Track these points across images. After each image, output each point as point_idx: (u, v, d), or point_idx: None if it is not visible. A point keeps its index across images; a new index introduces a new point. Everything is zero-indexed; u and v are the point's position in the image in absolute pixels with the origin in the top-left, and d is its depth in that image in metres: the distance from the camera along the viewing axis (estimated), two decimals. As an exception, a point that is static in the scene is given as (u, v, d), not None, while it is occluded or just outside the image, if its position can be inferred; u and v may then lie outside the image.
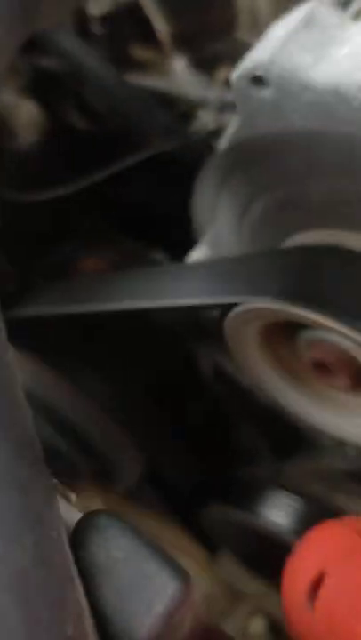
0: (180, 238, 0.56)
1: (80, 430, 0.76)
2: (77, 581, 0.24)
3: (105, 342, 0.87)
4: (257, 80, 0.38)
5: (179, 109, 0.81)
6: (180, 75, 0.88)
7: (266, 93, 0.38)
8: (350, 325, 0.35)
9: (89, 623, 0.23)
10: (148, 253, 0.80)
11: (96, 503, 1.34)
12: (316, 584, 0.32)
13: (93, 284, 0.53)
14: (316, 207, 0.39)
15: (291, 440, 0.72)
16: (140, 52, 0.93)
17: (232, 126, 0.42)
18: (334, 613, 0.31)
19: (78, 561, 0.25)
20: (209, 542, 0.97)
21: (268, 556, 0.82)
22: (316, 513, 0.69)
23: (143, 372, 0.87)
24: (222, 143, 0.42)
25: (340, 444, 0.60)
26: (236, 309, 0.38)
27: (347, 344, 0.37)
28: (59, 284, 0.61)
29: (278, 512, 0.71)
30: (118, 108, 0.75)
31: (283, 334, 0.42)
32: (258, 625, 1.21)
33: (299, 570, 0.34)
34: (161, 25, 0.76)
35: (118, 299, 0.48)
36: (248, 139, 0.38)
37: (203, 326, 0.56)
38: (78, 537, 0.26)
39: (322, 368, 0.40)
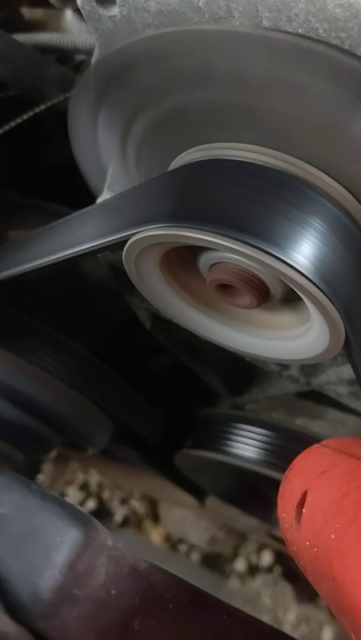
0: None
1: (44, 405, 0.75)
2: None
3: (47, 312, 0.86)
4: (101, -1, 0.35)
5: (75, 61, 0.78)
6: (72, 26, 0.86)
7: (114, 11, 0.36)
8: (240, 240, 0.33)
9: None
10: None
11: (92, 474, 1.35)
12: (301, 503, 0.33)
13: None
14: (193, 122, 0.37)
15: (243, 375, 0.72)
16: (29, 12, 0.90)
17: (94, 56, 0.40)
18: (314, 527, 0.32)
19: (-33, 525, 0.24)
20: (197, 489, 0.99)
21: (244, 490, 0.83)
22: (279, 440, 0.70)
23: (92, 337, 0.86)
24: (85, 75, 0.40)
25: (285, 368, 0.59)
26: (129, 242, 0.37)
27: (243, 260, 0.36)
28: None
29: (243, 445, 0.71)
30: (16, 72, 0.71)
31: (183, 260, 0.41)
32: (266, 558, 1.25)
33: (288, 493, 0.35)
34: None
35: (20, 262, 0.46)
36: (107, 57, 0.36)
37: (126, 275, 0.55)
38: None
39: (226, 289, 0.39)
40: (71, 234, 0.42)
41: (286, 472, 0.36)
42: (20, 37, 0.73)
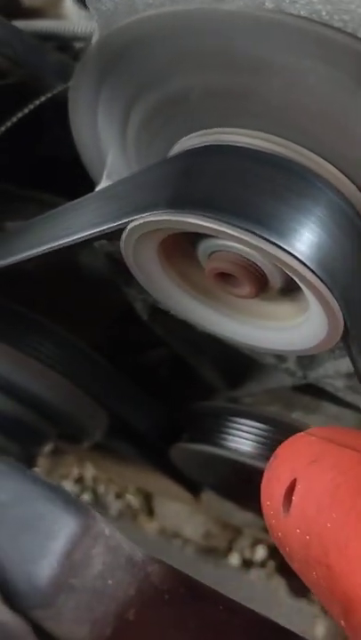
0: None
1: (39, 397, 0.75)
2: None
3: (43, 305, 0.85)
4: (102, -22, 0.35)
5: (75, 49, 0.78)
6: (71, 14, 0.85)
7: (115, -8, 0.35)
8: (240, 226, 0.33)
9: None
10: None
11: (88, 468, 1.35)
12: (290, 491, 0.33)
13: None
14: (195, 106, 0.37)
15: (239, 367, 0.72)
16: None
17: (94, 38, 0.39)
18: (306, 515, 0.32)
19: (-36, 509, 0.24)
20: (192, 483, 0.98)
21: (240, 484, 0.83)
22: (276, 434, 0.69)
23: (88, 329, 0.86)
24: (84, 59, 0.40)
25: (282, 360, 0.59)
26: (127, 229, 0.37)
27: (242, 248, 0.35)
28: None
29: (239, 439, 0.71)
30: (15, 59, 0.70)
31: (182, 249, 0.40)
32: (260, 553, 1.25)
33: (274, 480, 0.35)
34: None
35: (16, 251, 0.46)
36: (106, 38, 0.35)
37: (123, 265, 0.55)
38: None
39: (225, 278, 0.38)
40: (69, 221, 0.42)
41: (271, 460, 0.36)
42: (20, 24, 0.73)
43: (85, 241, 0.40)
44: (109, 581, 0.26)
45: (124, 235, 0.37)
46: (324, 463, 0.33)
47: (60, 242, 0.42)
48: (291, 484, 0.33)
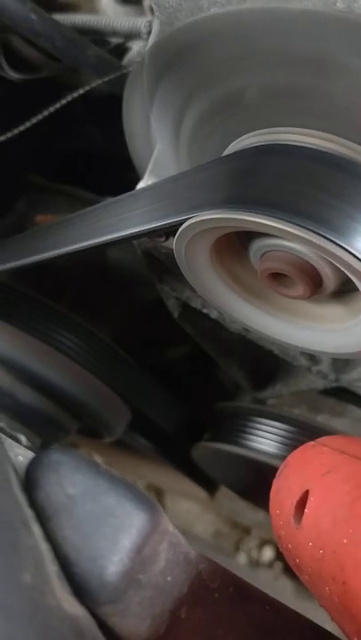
0: (134, 180, 0.54)
1: (65, 391, 0.75)
2: (33, 525, 0.23)
3: (70, 300, 0.85)
4: (169, -26, 0.35)
5: (110, 44, 0.77)
6: (107, 9, 0.85)
7: (181, -12, 0.35)
8: (301, 224, 0.33)
9: (51, 569, 0.22)
10: (101, 201, 0.78)
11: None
12: (301, 503, 0.33)
13: (37, 233, 0.51)
14: (254, 105, 0.37)
15: (267, 369, 0.71)
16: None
17: (153, 33, 0.39)
18: (320, 528, 0.31)
19: (34, 503, 0.24)
20: (208, 482, 0.98)
21: (261, 485, 0.82)
22: (300, 436, 0.69)
23: (113, 324, 0.86)
24: (143, 56, 0.39)
25: (315, 363, 0.59)
26: (183, 227, 0.36)
27: (299, 247, 0.35)
28: (7, 240, 0.58)
29: (264, 440, 0.71)
30: (54, 52, 0.70)
31: (234, 250, 0.40)
32: (267, 554, 1.25)
33: (284, 490, 0.35)
34: None
35: (63, 243, 0.46)
36: (169, 36, 0.35)
37: (160, 262, 0.55)
38: (31, 477, 0.24)
39: (277, 278, 0.38)
40: (118, 217, 0.42)
41: (281, 469, 0.36)
42: (58, 18, 0.73)
43: (137, 236, 0.40)
44: (168, 578, 0.26)
45: (178, 232, 0.37)
46: (338, 475, 0.32)
47: (109, 237, 0.42)
48: (303, 495, 0.32)
